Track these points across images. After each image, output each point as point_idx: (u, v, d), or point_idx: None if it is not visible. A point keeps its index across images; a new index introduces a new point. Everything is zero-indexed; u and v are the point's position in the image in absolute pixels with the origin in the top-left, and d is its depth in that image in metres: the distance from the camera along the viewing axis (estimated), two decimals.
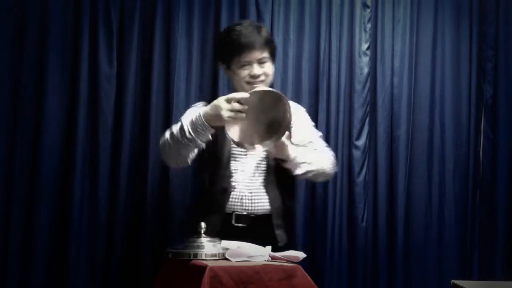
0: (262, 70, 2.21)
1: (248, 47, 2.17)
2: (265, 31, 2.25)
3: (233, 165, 2.22)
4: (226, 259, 1.82)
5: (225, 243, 1.91)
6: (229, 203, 2.20)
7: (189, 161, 2.13)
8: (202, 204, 2.27)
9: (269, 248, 1.93)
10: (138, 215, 2.62)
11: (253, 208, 2.22)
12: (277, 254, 1.89)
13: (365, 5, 2.95)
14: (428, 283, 2.96)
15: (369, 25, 2.95)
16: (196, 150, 2.10)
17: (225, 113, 1.95)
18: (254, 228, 2.20)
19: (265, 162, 2.27)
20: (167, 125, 2.63)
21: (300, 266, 1.82)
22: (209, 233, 1.93)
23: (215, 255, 1.82)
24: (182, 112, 2.64)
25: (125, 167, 2.60)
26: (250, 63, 2.19)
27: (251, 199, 2.22)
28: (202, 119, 1.99)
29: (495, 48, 3.07)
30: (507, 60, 3.06)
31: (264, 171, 2.26)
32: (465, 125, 3.06)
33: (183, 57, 2.70)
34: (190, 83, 2.71)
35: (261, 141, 2.04)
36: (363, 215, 2.89)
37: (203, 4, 2.76)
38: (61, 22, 2.55)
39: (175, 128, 2.07)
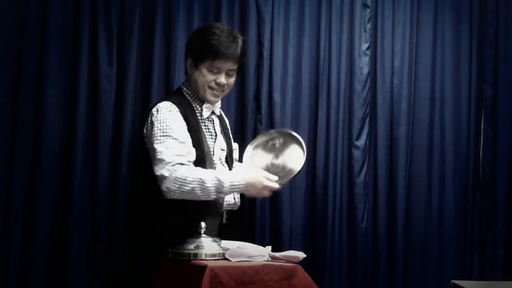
0: (228, 81, 2.25)
1: (225, 57, 2.20)
2: (241, 42, 2.27)
3: (215, 164, 2.25)
4: (226, 259, 1.82)
5: (225, 243, 1.91)
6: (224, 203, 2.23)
7: None
8: (190, 207, 2.14)
9: (269, 248, 1.93)
10: (138, 215, 2.61)
11: (237, 205, 2.30)
12: (277, 254, 1.89)
13: (365, 5, 2.95)
14: (428, 283, 2.97)
15: (369, 25, 2.96)
16: None
17: (266, 193, 2.14)
18: (236, 223, 2.30)
19: (226, 162, 2.34)
20: None
21: (300, 266, 1.82)
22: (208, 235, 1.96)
23: (215, 255, 1.82)
24: None
25: (125, 167, 2.60)
26: (219, 71, 2.23)
27: (237, 196, 2.30)
28: (242, 189, 2.11)
29: (495, 48, 3.08)
30: (507, 60, 3.06)
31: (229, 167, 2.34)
32: (465, 125, 3.06)
33: (183, 57, 2.69)
34: None
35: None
36: (363, 215, 2.89)
37: (203, 4, 2.76)
38: (61, 22, 2.55)
39: (210, 183, 2.06)
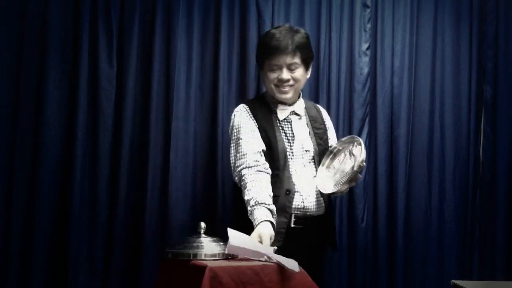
0: (291, 75, 2.25)
1: (278, 51, 2.21)
2: (300, 36, 2.26)
3: (291, 165, 2.24)
4: (226, 259, 1.81)
5: (232, 232, 1.90)
6: (292, 205, 2.21)
7: None
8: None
9: (272, 249, 1.92)
10: (138, 215, 2.62)
11: (312, 209, 2.25)
12: (275, 257, 1.86)
13: (365, 5, 2.95)
14: (428, 283, 2.96)
15: (369, 25, 2.95)
16: None
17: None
18: (310, 229, 2.23)
19: (313, 162, 2.31)
20: (167, 125, 2.64)
21: (299, 266, 1.82)
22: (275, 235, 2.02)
23: (215, 255, 1.81)
24: (182, 112, 2.66)
25: (125, 167, 2.60)
26: (279, 67, 2.24)
27: (311, 201, 2.25)
28: (253, 222, 2.02)
29: (495, 48, 3.07)
30: (507, 60, 3.06)
31: (315, 173, 2.31)
32: (465, 125, 3.06)
33: (183, 57, 2.70)
34: (190, 83, 2.71)
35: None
36: (363, 215, 2.89)
37: (203, 4, 2.76)
38: (61, 22, 2.55)
39: (247, 193, 2.09)
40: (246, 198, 2.09)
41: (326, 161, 2.33)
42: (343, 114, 2.91)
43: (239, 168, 2.17)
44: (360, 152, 2.21)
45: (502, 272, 2.98)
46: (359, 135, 2.91)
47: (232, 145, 2.25)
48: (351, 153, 2.29)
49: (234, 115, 2.30)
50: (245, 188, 2.11)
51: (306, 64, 2.29)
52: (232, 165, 2.22)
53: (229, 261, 1.79)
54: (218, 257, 1.82)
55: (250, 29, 2.78)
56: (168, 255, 1.87)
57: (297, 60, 2.24)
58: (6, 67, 2.48)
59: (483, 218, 3.06)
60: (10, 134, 2.47)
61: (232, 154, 2.23)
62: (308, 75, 2.36)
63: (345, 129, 2.91)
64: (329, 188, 2.25)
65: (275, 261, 1.80)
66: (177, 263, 1.83)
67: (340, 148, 2.33)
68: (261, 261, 1.81)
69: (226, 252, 1.83)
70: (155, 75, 2.66)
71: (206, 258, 1.79)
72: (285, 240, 2.14)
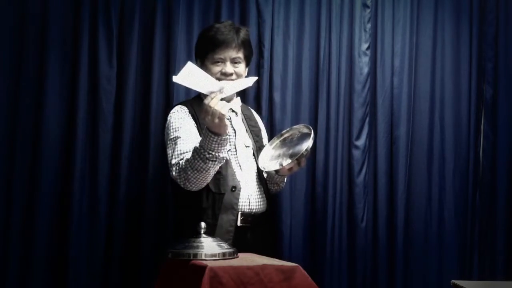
0: (234, 70, 2.26)
1: (223, 44, 2.22)
2: (244, 33, 2.29)
3: (234, 161, 2.24)
4: (226, 259, 1.81)
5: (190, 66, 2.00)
6: (239, 202, 2.19)
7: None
8: (204, 205, 2.18)
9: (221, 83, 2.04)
10: (138, 215, 2.62)
11: (257, 206, 2.24)
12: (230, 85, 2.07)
13: (365, 5, 2.95)
14: (428, 283, 2.97)
15: (369, 25, 2.95)
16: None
17: (218, 108, 1.97)
18: (257, 230, 2.23)
19: (253, 159, 2.31)
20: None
21: (299, 266, 1.82)
22: (221, 235, 2.05)
23: (215, 255, 1.82)
24: None
25: (125, 167, 2.60)
26: (223, 61, 2.24)
27: (256, 198, 2.24)
28: (209, 133, 2.00)
29: (495, 48, 3.07)
30: (507, 60, 3.06)
31: (256, 169, 2.30)
32: (465, 125, 3.06)
33: (183, 57, 2.70)
34: None
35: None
36: (363, 215, 2.89)
37: (203, 4, 2.76)
38: (61, 22, 2.55)
39: (187, 155, 2.07)
40: (189, 158, 2.04)
41: (275, 142, 2.35)
42: (343, 114, 2.91)
43: (175, 163, 2.11)
44: (308, 141, 2.20)
45: (502, 272, 2.99)
46: (359, 135, 2.91)
47: (169, 144, 2.18)
48: (299, 139, 2.30)
49: (171, 115, 2.26)
50: (183, 165, 2.06)
51: (247, 61, 2.32)
52: (169, 164, 2.16)
53: (229, 261, 1.80)
54: (218, 257, 1.82)
55: (250, 29, 2.75)
56: (168, 255, 1.87)
57: (240, 55, 2.26)
58: (6, 67, 2.48)
59: (483, 218, 3.06)
60: (10, 134, 2.47)
61: (169, 154, 2.16)
62: (246, 73, 2.35)
63: (345, 129, 2.91)
64: (269, 166, 2.25)
65: (232, 86, 2.01)
66: (177, 263, 1.84)
67: (291, 132, 2.35)
68: (214, 92, 1.99)
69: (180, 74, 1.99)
70: (155, 75, 2.66)
71: (206, 258, 1.79)
72: (233, 240, 2.10)
